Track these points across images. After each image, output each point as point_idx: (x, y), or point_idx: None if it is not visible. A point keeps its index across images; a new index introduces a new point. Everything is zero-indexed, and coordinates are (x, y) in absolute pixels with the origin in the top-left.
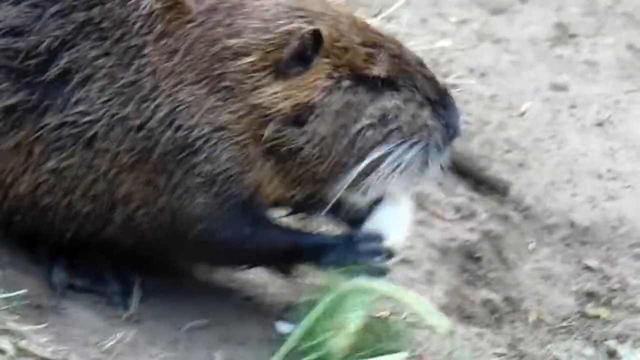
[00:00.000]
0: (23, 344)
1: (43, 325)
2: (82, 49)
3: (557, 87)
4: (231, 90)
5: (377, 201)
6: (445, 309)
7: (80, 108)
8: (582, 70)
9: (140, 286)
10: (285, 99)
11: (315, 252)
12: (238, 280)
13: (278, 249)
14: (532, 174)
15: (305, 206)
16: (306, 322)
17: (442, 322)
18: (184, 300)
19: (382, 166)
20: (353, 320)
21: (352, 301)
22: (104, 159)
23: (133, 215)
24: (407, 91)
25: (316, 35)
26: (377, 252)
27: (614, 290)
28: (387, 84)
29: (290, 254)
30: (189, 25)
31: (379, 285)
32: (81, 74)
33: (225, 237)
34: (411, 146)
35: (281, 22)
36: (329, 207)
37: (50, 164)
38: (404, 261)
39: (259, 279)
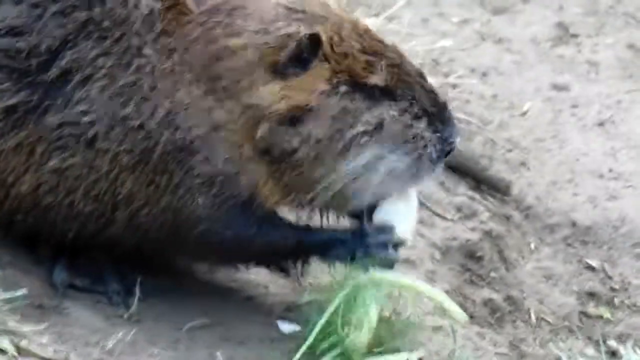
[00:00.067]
0: (24, 343)
1: (44, 325)
2: (83, 49)
3: (559, 87)
4: (228, 91)
5: (371, 206)
6: None
7: (81, 108)
8: (583, 70)
9: (140, 286)
10: (282, 99)
11: (323, 248)
12: (239, 279)
13: (284, 247)
14: (534, 173)
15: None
16: (321, 319)
17: (460, 314)
18: (185, 300)
19: (374, 171)
20: (370, 315)
21: (367, 296)
22: (105, 158)
23: (136, 215)
24: (405, 101)
25: (314, 38)
26: (387, 244)
27: (616, 290)
28: (385, 93)
29: (297, 251)
30: (188, 25)
31: (395, 278)
32: (82, 74)
33: (227, 237)
34: (405, 154)
35: (280, 24)
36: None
37: (52, 163)
38: (406, 261)
39: (260, 278)
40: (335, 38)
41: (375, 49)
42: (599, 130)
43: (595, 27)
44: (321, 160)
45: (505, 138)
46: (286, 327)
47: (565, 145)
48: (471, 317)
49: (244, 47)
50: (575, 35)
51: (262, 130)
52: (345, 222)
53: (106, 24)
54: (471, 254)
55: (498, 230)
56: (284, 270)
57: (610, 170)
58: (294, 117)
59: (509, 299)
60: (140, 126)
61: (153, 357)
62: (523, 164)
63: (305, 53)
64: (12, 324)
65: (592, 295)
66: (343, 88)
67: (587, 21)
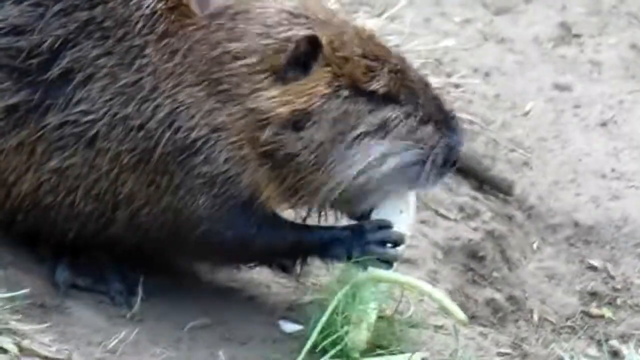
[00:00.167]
0: (26, 343)
1: (46, 325)
2: (84, 48)
3: (561, 87)
4: (229, 93)
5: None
6: None
7: (82, 107)
8: (586, 70)
9: (142, 285)
10: (283, 104)
11: (323, 247)
12: (241, 279)
13: (284, 247)
14: (536, 173)
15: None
16: (323, 317)
17: (460, 313)
18: (187, 300)
19: (377, 174)
20: (369, 313)
21: (365, 294)
22: (105, 158)
23: (136, 214)
24: (410, 106)
25: (313, 41)
26: (385, 241)
27: (618, 289)
28: (388, 98)
29: (297, 251)
30: (191, 27)
31: (396, 276)
32: (83, 73)
33: (227, 238)
34: (410, 158)
35: (282, 28)
36: (324, 210)
37: (53, 163)
38: (408, 260)
39: (262, 278)
40: (337, 42)
41: (378, 55)
42: (602, 130)
43: (598, 27)
44: (323, 163)
45: (507, 138)
46: (288, 326)
47: (567, 145)
48: (473, 316)
49: (245, 51)
50: (577, 35)
51: (265, 135)
52: (344, 220)
53: (108, 23)
54: (473, 254)
55: (500, 230)
56: (285, 269)
57: (613, 170)
58: (296, 122)
59: (511, 298)
60: (141, 126)
61: (155, 356)
62: (525, 164)
63: (304, 56)
64: (14, 323)
65: (594, 295)
66: (345, 92)
67: (589, 21)
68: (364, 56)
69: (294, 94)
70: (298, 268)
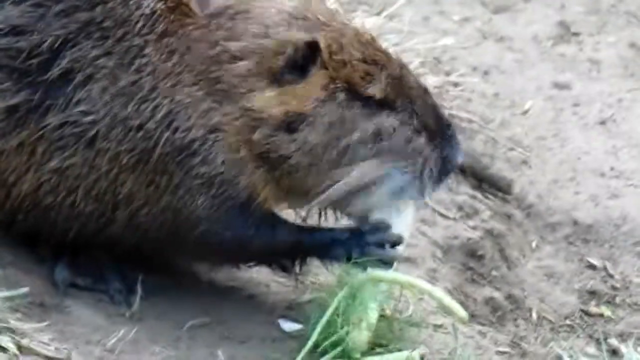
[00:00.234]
0: (25, 342)
1: (45, 324)
2: (84, 49)
3: (560, 86)
4: (226, 93)
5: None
6: None
7: (82, 108)
8: (585, 68)
9: (142, 284)
10: (278, 105)
11: (322, 248)
12: (240, 278)
13: (282, 247)
14: (535, 172)
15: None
16: (323, 318)
17: (461, 311)
18: (186, 299)
19: (370, 184)
20: (369, 313)
21: (366, 294)
22: (105, 158)
23: (135, 214)
24: (405, 114)
25: (312, 45)
26: (384, 242)
27: (617, 288)
28: (384, 104)
29: (296, 251)
30: (190, 27)
31: (396, 276)
32: (83, 74)
33: (226, 238)
34: (403, 169)
35: (281, 29)
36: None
37: (53, 163)
38: (407, 259)
39: (261, 277)
40: (335, 45)
41: (377, 59)
42: (601, 128)
43: (597, 26)
44: (316, 167)
45: (506, 137)
46: (288, 325)
47: (566, 144)
48: (472, 315)
49: (243, 51)
50: (576, 34)
51: (258, 135)
52: (344, 221)
53: (107, 23)
54: (472, 253)
55: (499, 229)
56: (285, 269)
57: (612, 169)
58: (290, 123)
59: (510, 297)
60: (140, 126)
61: (154, 355)
62: (524, 162)
63: (302, 60)
64: (13, 322)
65: (593, 293)
66: (341, 96)
67: (588, 20)
68: (363, 60)
69: (290, 96)
70: (297, 268)
